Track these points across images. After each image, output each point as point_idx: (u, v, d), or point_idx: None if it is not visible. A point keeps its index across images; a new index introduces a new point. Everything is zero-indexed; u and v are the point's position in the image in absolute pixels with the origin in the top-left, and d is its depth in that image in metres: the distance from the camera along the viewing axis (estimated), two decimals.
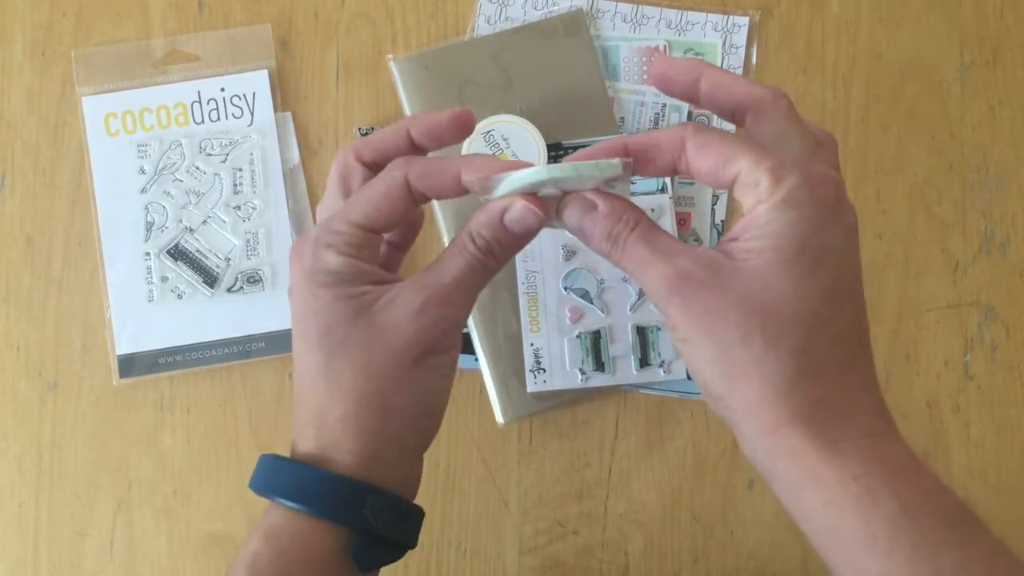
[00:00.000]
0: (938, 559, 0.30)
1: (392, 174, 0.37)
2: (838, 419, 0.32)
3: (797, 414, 0.32)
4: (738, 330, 0.32)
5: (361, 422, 0.36)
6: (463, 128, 0.39)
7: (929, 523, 0.30)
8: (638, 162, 0.35)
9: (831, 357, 0.32)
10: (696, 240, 0.60)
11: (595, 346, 0.58)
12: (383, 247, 0.41)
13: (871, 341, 0.34)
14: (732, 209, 0.61)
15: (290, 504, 0.36)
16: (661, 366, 0.58)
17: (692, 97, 0.36)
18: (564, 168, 0.34)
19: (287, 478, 0.36)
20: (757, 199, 0.32)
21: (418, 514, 0.39)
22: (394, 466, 0.37)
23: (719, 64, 0.62)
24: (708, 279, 0.32)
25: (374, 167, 0.39)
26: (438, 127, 0.38)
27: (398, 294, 0.36)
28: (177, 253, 0.60)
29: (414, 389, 0.37)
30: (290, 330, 0.58)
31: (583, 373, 0.58)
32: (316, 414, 0.36)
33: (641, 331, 0.58)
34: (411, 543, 0.39)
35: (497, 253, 0.37)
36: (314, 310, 0.36)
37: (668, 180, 0.60)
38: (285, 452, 0.59)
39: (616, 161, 0.34)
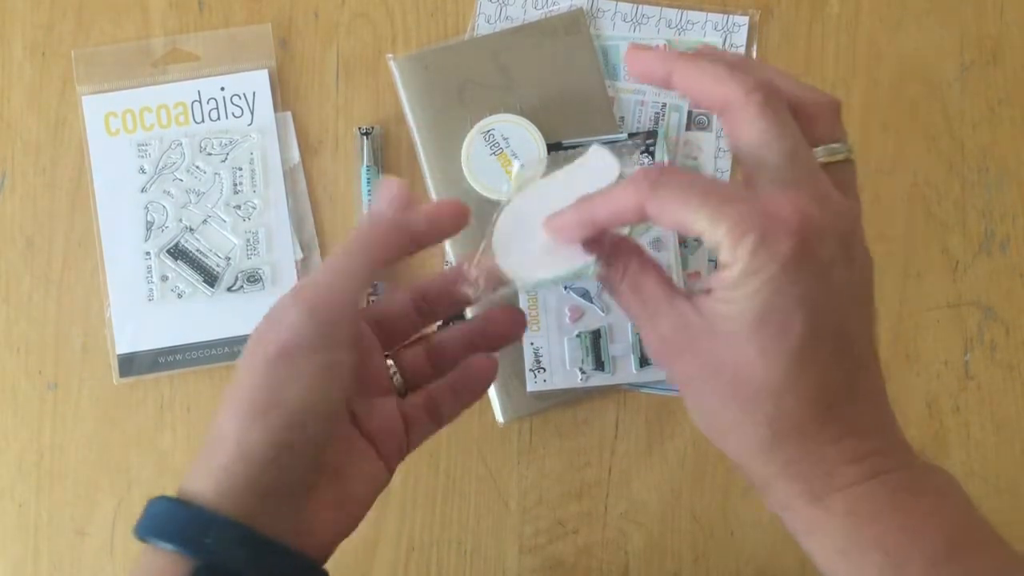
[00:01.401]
0: (972, 558, 0.31)
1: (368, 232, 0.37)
2: (820, 473, 0.32)
3: (780, 473, 0.33)
4: (716, 396, 0.33)
5: (234, 434, 0.34)
6: (459, 221, 0.38)
7: (915, 567, 0.31)
8: (675, 86, 0.34)
9: (807, 417, 0.32)
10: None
11: (595, 345, 0.58)
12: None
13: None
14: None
15: (141, 536, 0.34)
16: None
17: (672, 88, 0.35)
18: (542, 284, 0.37)
19: (148, 513, 0.34)
20: (723, 261, 0.31)
21: (288, 557, 0.35)
22: (248, 492, 0.34)
23: None
24: (685, 346, 0.33)
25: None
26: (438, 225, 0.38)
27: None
28: (177, 252, 0.60)
29: (277, 392, 0.34)
30: None
31: (583, 372, 0.58)
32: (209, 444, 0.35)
33: None
34: None
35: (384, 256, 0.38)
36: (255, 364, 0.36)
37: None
38: None
39: (591, 266, 0.36)
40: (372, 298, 0.58)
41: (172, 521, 0.34)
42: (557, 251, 0.37)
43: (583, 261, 0.36)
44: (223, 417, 0.34)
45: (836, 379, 0.32)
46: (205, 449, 0.35)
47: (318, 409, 0.34)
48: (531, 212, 0.37)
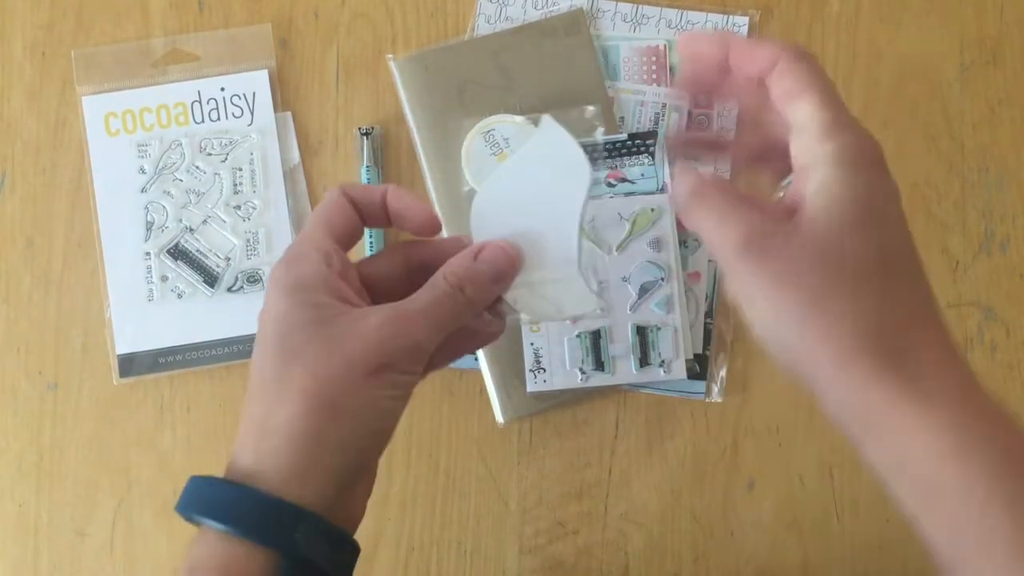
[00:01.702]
0: None
1: (329, 192, 0.39)
2: (927, 369, 0.32)
3: (887, 366, 0.31)
4: (819, 286, 0.32)
5: (305, 424, 0.34)
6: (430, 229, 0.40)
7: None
8: (737, 65, 0.36)
9: (908, 310, 0.32)
10: (695, 240, 0.60)
11: (595, 346, 0.58)
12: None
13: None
14: None
15: (217, 525, 0.33)
16: (661, 366, 0.58)
17: (718, 81, 0.36)
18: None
19: (216, 497, 0.34)
20: (812, 156, 0.33)
21: (354, 549, 0.37)
22: (331, 484, 0.35)
23: None
24: (782, 238, 0.33)
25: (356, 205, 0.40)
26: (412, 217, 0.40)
27: (364, 311, 0.36)
28: (177, 253, 0.60)
29: (364, 400, 0.35)
30: None
31: (583, 373, 0.58)
32: (260, 421, 0.35)
33: (641, 331, 0.58)
34: None
35: (468, 292, 0.37)
36: (274, 316, 0.35)
37: (668, 180, 0.59)
38: None
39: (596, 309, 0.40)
40: None
41: (257, 512, 0.33)
42: (556, 277, 0.39)
43: (591, 306, 0.38)
44: (285, 410, 0.34)
45: (925, 282, 0.33)
46: (259, 435, 0.35)
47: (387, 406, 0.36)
48: (501, 199, 0.39)
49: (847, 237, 0.32)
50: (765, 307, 0.33)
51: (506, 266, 0.38)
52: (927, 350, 0.32)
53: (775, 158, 0.37)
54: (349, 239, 0.39)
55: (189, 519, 0.35)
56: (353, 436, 0.35)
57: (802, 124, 0.33)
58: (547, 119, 0.39)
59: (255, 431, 0.35)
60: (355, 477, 0.36)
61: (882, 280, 0.32)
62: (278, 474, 0.34)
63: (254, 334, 0.58)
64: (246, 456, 0.35)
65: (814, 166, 0.33)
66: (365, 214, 0.39)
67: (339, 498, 0.35)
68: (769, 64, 0.34)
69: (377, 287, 0.39)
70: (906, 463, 0.31)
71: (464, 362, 0.59)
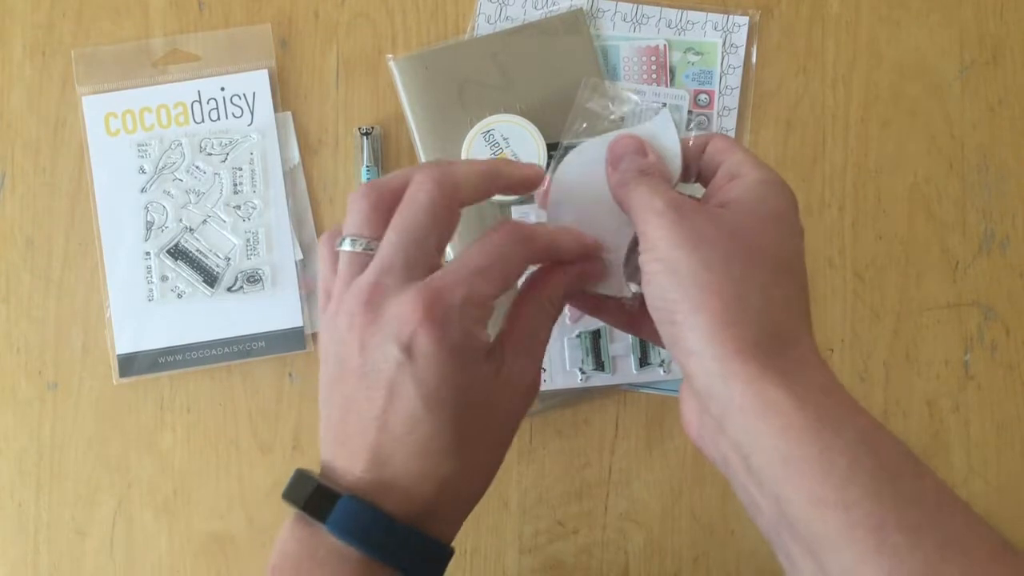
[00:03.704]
0: (894, 486, 0.30)
1: (427, 196, 0.36)
2: (799, 354, 0.33)
3: (759, 342, 0.33)
4: (722, 252, 0.34)
5: (477, 491, 0.37)
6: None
7: (886, 453, 0.31)
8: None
9: (795, 298, 0.35)
10: None
11: (595, 346, 0.58)
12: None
13: (871, 340, 0.36)
14: None
15: (378, 557, 0.35)
16: (661, 365, 0.58)
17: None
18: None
19: (386, 534, 0.35)
20: (735, 176, 0.37)
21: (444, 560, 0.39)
22: (459, 521, 0.38)
23: (718, 63, 0.62)
24: (700, 210, 0.36)
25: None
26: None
27: (511, 369, 0.37)
28: (177, 252, 0.60)
29: (504, 454, 0.38)
30: (290, 329, 0.59)
31: (583, 373, 0.58)
32: (429, 474, 0.35)
33: None
34: None
35: (559, 306, 0.39)
36: (457, 387, 0.35)
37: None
38: (285, 451, 0.59)
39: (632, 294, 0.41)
40: None
41: (420, 553, 0.35)
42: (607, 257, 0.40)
43: (626, 293, 0.40)
44: (469, 483, 0.37)
45: (806, 288, 0.37)
46: (432, 489, 0.35)
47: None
48: (587, 163, 0.40)
49: (760, 227, 0.35)
50: (666, 267, 0.34)
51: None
52: (798, 345, 0.34)
53: None
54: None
55: (328, 531, 0.35)
56: (487, 482, 0.38)
57: (734, 162, 0.38)
58: (665, 112, 0.41)
59: (423, 479, 0.35)
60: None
61: (775, 274, 0.35)
62: (441, 523, 0.36)
63: (254, 334, 0.59)
64: (406, 498, 0.35)
65: (742, 181, 0.37)
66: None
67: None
68: (703, 145, 0.40)
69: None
70: (767, 435, 0.32)
71: None
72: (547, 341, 0.39)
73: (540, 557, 0.59)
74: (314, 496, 0.35)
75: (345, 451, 0.36)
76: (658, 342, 0.40)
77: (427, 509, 0.35)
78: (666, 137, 0.40)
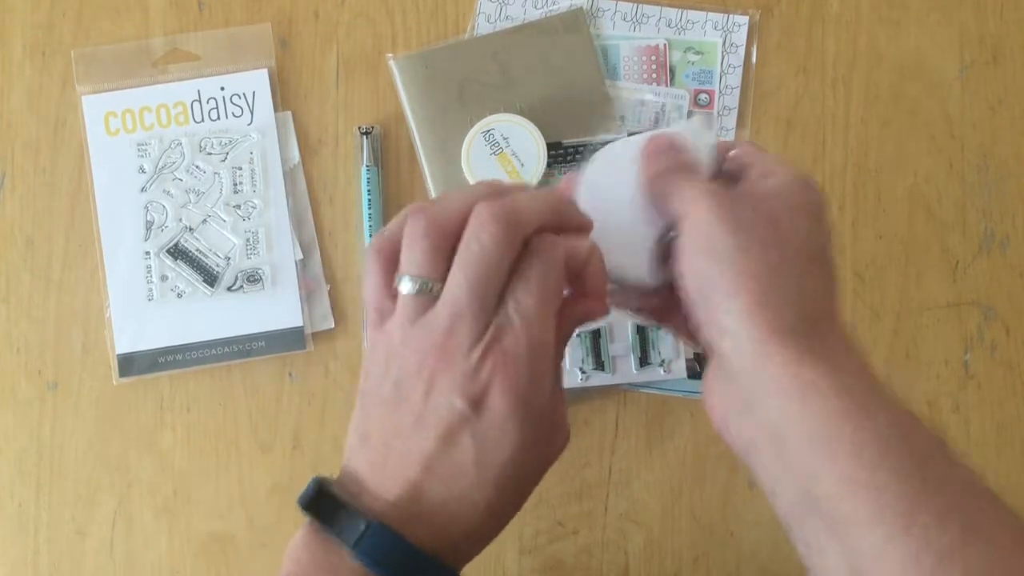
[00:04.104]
0: (924, 472, 0.31)
1: (552, 261, 0.36)
2: (833, 339, 0.35)
3: (795, 326, 0.34)
4: (760, 238, 0.35)
5: (496, 529, 0.38)
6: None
7: (917, 438, 0.32)
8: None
9: (824, 295, 0.36)
10: None
11: (595, 345, 0.58)
12: None
13: (871, 340, 0.36)
14: None
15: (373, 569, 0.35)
16: (661, 365, 0.58)
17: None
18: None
19: (405, 562, 0.35)
20: (766, 173, 0.38)
21: None
22: (474, 555, 0.38)
23: (718, 63, 0.62)
24: (739, 196, 0.36)
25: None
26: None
27: (552, 418, 0.37)
28: (177, 252, 0.60)
29: (527, 499, 0.38)
30: (291, 329, 0.59)
31: (583, 372, 0.58)
32: (463, 519, 0.36)
33: (641, 330, 0.58)
34: None
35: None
36: (513, 448, 0.35)
37: None
38: (285, 451, 0.59)
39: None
40: None
41: (420, 571, 0.35)
42: (631, 242, 0.41)
43: (645, 279, 0.41)
44: (494, 523, 0.37)
45: (835, 290, 0.37)
46: (459, 531, 0.36)
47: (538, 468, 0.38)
48: (619, 155, 0.41)
49: (795, 218, 0.36)
50: (703, 242, 0.35)
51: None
52: (831, 331, 0.35)
53: None
54: None
55: (355, 558, 0.35)
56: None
57: (769, 163, 0.39)
58: (701, 118, 0.43)
59: (454, 521, 0.36)
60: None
61: (810, 264, 0.36)
62: (458, 557, 0.37)
63: (254, 333, 0.59)
64: (434, 533, 0.35)
65: (777, 177, 0.37)
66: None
67: None
68: (728, 148, 0.41)
69: None
70: (803, 417, 0.32)
71: None
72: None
73: (540, 557, 0.59)
74: (340, 515, 0.35)
75: (380, 476, 0.35)
76: (684, 335, 0.41)
77: (451, 545, 0.36)
78: (701, 141, 0.41)
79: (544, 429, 0.36)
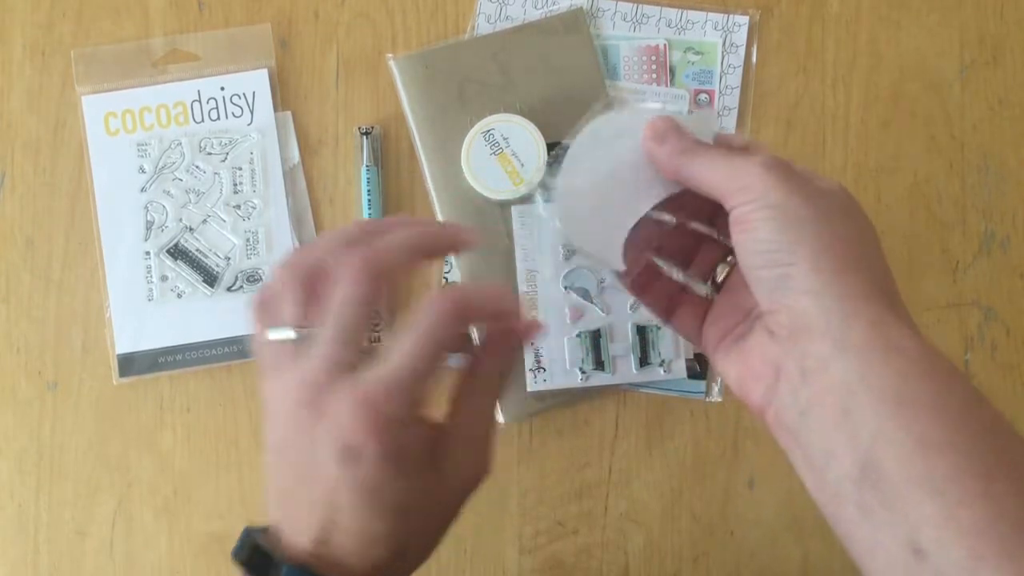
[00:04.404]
0: (1000, 438, 0.32)
1: (438, 307, 0.36)
2: (905, 314, 0.36)
3: (883, 290, 0.35)
4: (837, 208, 0.36)
5: (400, 564, 0.37)
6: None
7: (989, 408, 0.33)
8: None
9: (890, 272, 0.38)
10: None
11: (595, 345, 0.58)
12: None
13: None
14: None
15: None
16: (661, 365, 0.58)
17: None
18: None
19: None
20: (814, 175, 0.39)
21: None
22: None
23: (718, 63, 0.62)
24: (804, 169, 0.38)
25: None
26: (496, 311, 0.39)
27: (455, 463, 0.37)
28: (177, 252, 0.60)
29: (446, 530, 0.39)
30: None
31: (583, 372, 0.58)
32: (357, 547, 0.36)
33: (641, 330, 0.58)
34: None
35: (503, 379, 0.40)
36: (398, 490, 0.35)
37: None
38: None
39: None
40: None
41: None
42: (612, 228, 0.42)
43: (617, 266, 0.42)
44: (401, 562, 0.37)
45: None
46: (369, 550, 0.36)
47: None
48: (601, 141, 0.42)
49: (848, 210, 0.37)
50: (781, 214, 0.36)
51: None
52: (902, 304, 0.37)
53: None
54: None
55: None
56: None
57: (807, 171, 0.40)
58: (704, 113, 0.44)
59: (363, 559, 0.36)
60: None
61: (874, 245, 0.38)
62: (339, 560, 0.36)
63: (254, 333, 0.59)
64: (350, 570, 0.36)
65: (819, 179, 0.38)
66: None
67: None
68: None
69: None
70: (883, 375, 0.33)
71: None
72: (492, 417, 0.39)
73: (540, 557, 0.59)
74: (261, 562, 0.36)
75: (292, 521, 0.37)
76: (690, 335, 0.43)
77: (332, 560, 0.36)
78: (703, 137, 0.41)
79: (429, 471, 0.36)
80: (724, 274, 0.42)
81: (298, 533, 0.36)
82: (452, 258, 0.60)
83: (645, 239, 0.43)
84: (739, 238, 0.37)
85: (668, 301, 0.45)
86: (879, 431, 0.32)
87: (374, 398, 0.34)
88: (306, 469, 0.36)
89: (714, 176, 0.38)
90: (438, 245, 0.39)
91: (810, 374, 0.35)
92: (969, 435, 0.31)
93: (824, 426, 0.34)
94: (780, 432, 0.36)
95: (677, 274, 0.45)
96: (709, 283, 0.44)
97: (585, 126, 0.43)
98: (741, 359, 0.39)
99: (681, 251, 0.44)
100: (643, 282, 0.45)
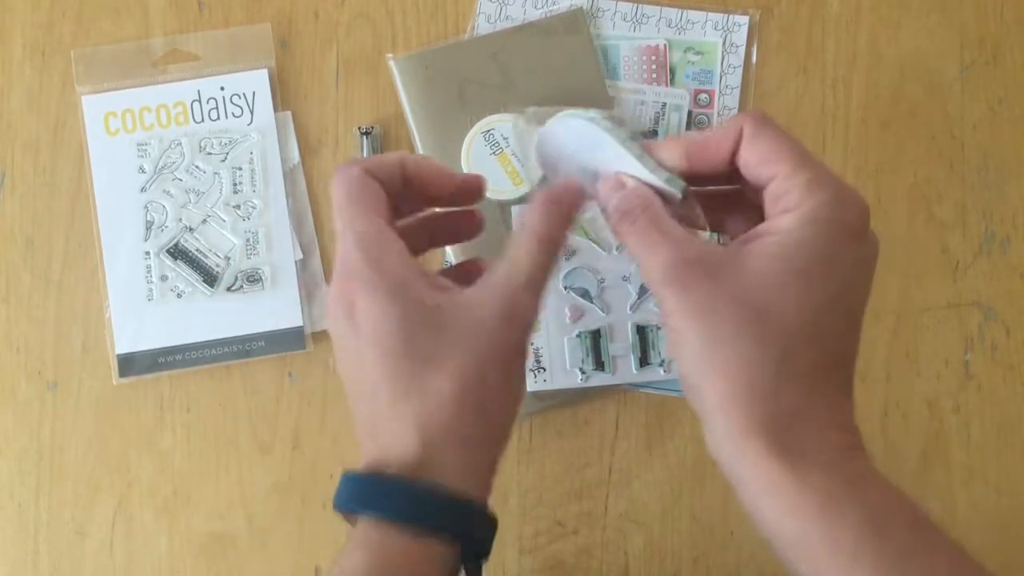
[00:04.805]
0: (904, 566, 0.30)
1: (343, 171, 0.38)
2: (809, 431, 0.32)
3: (768, 422, 0.32)
4: (730, 326, 0.32)
5: (463, 431, 0.35)
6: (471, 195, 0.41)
7: (894, 531, 0.31)
8: (695, 157, 0.36)
9: (814, 368, 0.32)
10: None
11: (595, 345, 0.58)
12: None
13: (871, 341, 0.35)
14: None
15: (401, 520, 0.34)
16: (661, 365, 0.58)
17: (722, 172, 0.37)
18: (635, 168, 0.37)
19: (399, 496, 0.34)
20: (784, 207, 0.33)
21: (497, 525, 0.38)
22: (484, 476, 0.37)
23: (719, 63, 0.62)
24: (711, 272, 0.33)
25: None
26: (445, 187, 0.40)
27: (473, 300, 0.36)
28: (177, 252, 0.60)
29: (503, 396, 0.36)
30: (291, 329, 0.59)
31: (583, 372, 0.58)
32: (411, 424, 0.35)
33: (641, 330, 0.58)
34: (490, 554, 0.38)
35: (558, 242, 0.37)
36: (389, 318, 0.34)
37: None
38: (284, 451, 0.59)
39: (680, 187, 0.36)
40: None
41: (444, 509, 0.34)
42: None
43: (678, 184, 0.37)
44: (440, 415, 0.35)
45: (847, 344, 0.34)
46: (416, 436, 0.34)
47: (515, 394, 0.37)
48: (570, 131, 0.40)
49: (780, 287, 0.32)
50: (679, 337, 0.33)
51: (580, 203, 0.38)
52: (811, 419, 0.32)
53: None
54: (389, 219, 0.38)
55: (355, 513, 0.35)
56: (502, 429, 0.37)
57: (782, 186, 0.34)
58: (567, 116, 0.40)
59: (413, 433, 0.35)
60: (498, 461, 0.38)
61: (795, 344, 0.32)
62: (450, 471, 0.35)
63: (254, 333, 0.59)
64: (408, 454, 0.35)
65: (787, 218, 0.33)
66: (388, 190, 0.38)
67: (490, 481, 0.37)
68: (734, 138, 0.35)
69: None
70: (772, 513, 0.32)
71: None
72: (537, 277, 0.36)
73: (540, 557, 0.59)
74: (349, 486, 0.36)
75: (388, 433, 0.36)
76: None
77: (421, 460, 0.35)
78: (618, 162, 0.38)
79: (428, 293, 0.35)
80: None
81: (388, 447, 0.35)
82: (451, 256, 0.60)
83: None
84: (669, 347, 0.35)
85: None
86: (792, 567, 0.32)
87: (340, 261, 0.36)
88: (354, 369, 0.36)
89: (639, 268, 0.36)
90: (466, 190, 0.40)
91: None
92: (865, 571, 0.30)
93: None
94: None
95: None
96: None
97: (556, 119, 0.40)
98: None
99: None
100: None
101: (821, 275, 0.32)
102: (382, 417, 0.35)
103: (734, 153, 0.35)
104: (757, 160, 0.34)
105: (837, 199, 0.33)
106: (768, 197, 0.34)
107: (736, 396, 0.32)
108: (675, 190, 0.36)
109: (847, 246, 0.33)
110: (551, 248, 0.37)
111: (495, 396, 0.35)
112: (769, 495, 0.32)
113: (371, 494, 0.35)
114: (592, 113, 0.39)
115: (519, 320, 0.36)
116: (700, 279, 0.33)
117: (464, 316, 0.35)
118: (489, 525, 0.36)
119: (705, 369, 0.32)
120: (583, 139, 0.39)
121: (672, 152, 0.37)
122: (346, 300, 0.35)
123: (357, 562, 0.34)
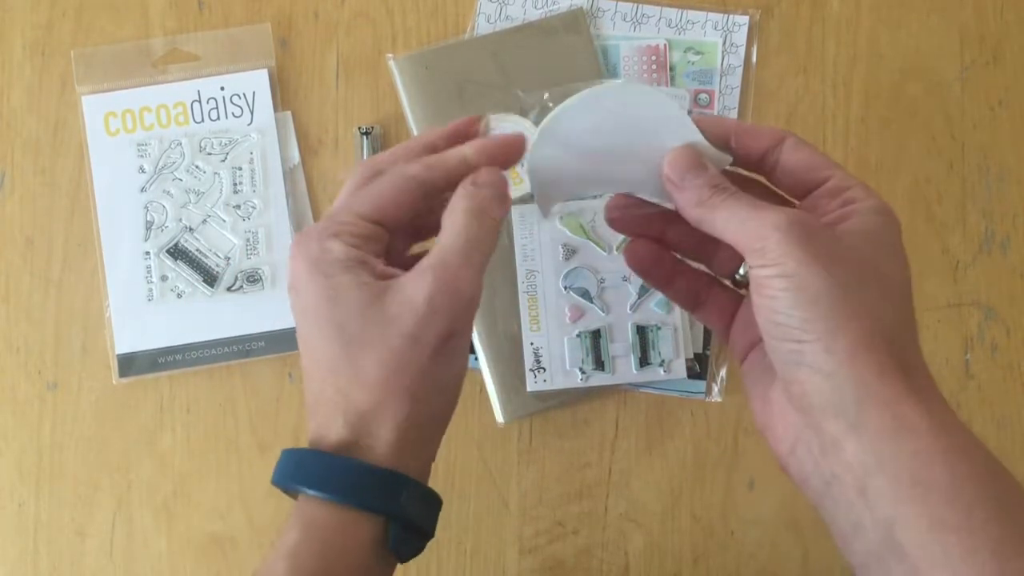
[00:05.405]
0: (1017, 513, 0.31)
1: (401, 168, 0.38)
2: (923, 382, 0.34)
3: (898, 364, 0.33)
4: (856, 276, 0.34)
5: (391, 412, 0.36)
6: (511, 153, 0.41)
7: (1007, 481, 0.32)
8: (742, 139, 0.39)
9: (915, 334, 0.36)
10: None
11: (595, 345, 0.58)
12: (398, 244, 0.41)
13: None
14: None
15: (329, 497, 0.35)
16: (661, 365, 0.58)
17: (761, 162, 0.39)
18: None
19: (325, 471, 0.36)
20: (847, 200, 0.37)
21: (439, 503, 0.39)
22: (419, 454, 0.38)
23: (719, 63, 0.62)
24: (825, 228, 0.35)
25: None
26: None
27: (407, 282, 0.36)
28: (177, 252, 0.60)
29: (436, 375, 0.37)
30: (291, 329, 0.59)
31: (583, 372, 0.58)
32: (343, 404, 0.36)
33: (641, 330, 0.58)
34: (433, 533, 0.39)
35: (495, 211, 0.38)
36: (326, 298, 0.36)
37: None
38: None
39: (729, 160, 0.39)
40: None
41: (369, 482, 0.35)
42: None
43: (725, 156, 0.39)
44: (367, 396, 0.36)
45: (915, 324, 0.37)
46: (347, 414, 0.36)
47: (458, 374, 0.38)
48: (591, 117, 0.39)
49: (882, 256, 0.36)
50: (795, 283, 0.34)
51: (515, 157, 0.40)
52: (922, 371, 0.35)
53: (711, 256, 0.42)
54: (400, 224, 0.38)
55: (288, 489, 0.37)
56: (432, 411, 0.37)
57: (842, 183, 0.38)
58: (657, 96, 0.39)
59: (339, 413, 0.36)
60: (436, 441, 0.39)
61: (902, 300, 0.35)
62: (378, 448, 0.36)
63: (254, 334, 0.59)
64: (336, 433, 0.36)
65: (857, 207, 0.37)
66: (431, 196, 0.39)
67: (426, 459, 0.39)
68: (775, 141, 0.38)
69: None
70: (897, 457, 0.32)
71: None
72: (470, 252, 0.37)
73: (540, 557, 0.59)
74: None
75: (320, 414, 0.38)
76: (718, 328, 0.42)
77: (352, 439, 0.36)
78: (677, 131, 0.38)
79: (357, 278, 0.36)
80: (747, 270, 0.40)
81: (326, 424, 0.37)
82: None
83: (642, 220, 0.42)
84: (755, 300, 0.35)
85: (690, 291, 0.43)
86: (896, 513, 0.32)
87: (313, 227, 0.37)
88: (302, 346, 0.38)
89: (733, 233, 0.36)
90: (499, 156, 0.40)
91: (827, 450, 0.34)
92: (983, 516, 0.31)
93: (847, 499, 0.34)
94: (806, 490, 0.36)
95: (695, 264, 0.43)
96: (731, 281, 0.42)
97: (584, 89, 0.39)
98: (765, 407, 0.38)
99: (693, 241, 0.42)
100: (657, 267, 0.43)
101: (900, 253, 0.37)
102: (320, 396, 0.37)
103: (766, 151, 0.38)
104: (806, 166, 0.38)
105: (884, 203, 0.37)
106: (827, 191, 0.37)
107: (868, 342, 0.33)
108: (726, 162, 0.38)
109: (900, 236, 0.37)
110: (483, 220, 0.37)
111: (424, 378, 0.36)
112: (896, 438, 0.32)
113: (297, 469, 0.36)
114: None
115: (453, 298, 0.36)
116: (822, 232, 0.35)
117: (394, 300, 0.36)
118: (424, 503, 0.37)
119: (833, 316, 0.33)
120: (626, 112, 0.38)
121: (721, 128, 0.39)
122: (293, 274, 0.37)
123: (290, 539, 0.35)
